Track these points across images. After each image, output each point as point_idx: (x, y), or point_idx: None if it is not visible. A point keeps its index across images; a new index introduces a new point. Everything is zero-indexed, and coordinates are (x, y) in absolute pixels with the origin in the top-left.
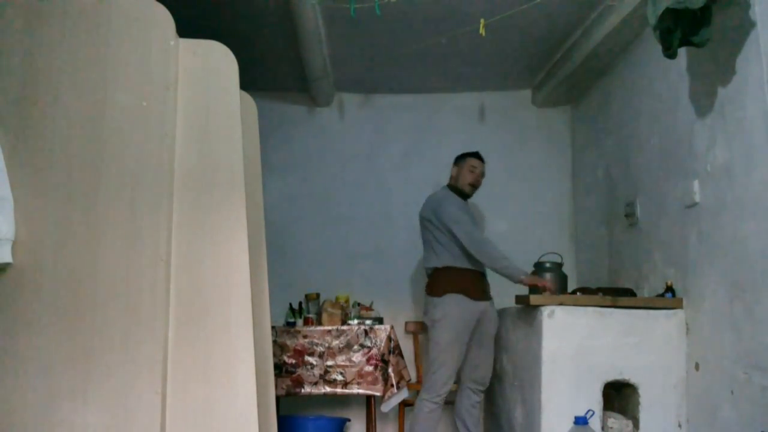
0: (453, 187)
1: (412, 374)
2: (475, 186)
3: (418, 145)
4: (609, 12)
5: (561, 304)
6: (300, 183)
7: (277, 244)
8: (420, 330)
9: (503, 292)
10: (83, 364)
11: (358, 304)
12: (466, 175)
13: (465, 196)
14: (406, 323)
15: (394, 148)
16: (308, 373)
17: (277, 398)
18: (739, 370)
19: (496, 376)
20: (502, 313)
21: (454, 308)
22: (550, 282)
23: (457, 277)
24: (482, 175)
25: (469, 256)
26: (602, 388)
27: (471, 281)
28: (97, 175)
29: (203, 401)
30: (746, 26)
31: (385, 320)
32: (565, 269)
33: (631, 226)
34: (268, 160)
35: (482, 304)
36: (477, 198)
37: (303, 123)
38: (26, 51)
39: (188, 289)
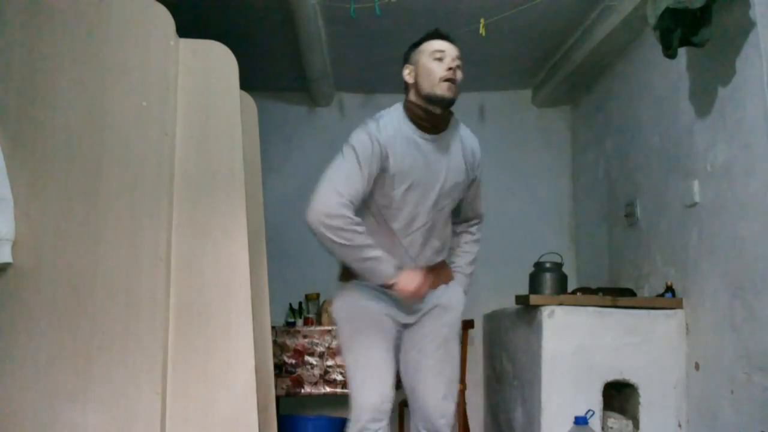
0: (409, 109)
1: None
2: (452, 81)
3: None
4: (609, 12)
5: (561, 304)
6: (300, 183)
7: (277, 244)
8: None
9: (503, 292)
10: (83, 364)
11: None
12: (431, 71)
13: (432, 113)
14: None
15: None
16: (308, 373)
17: (277, 398)
18: (740, 370)
19: (496, 377)
20: (500, 313)
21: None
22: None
23: None
24: (459, 59)
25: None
26: (602, 388)
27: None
28: (97, 175)
29: (203, 401)
30: (746, 26)
31: None
32: (565, 269)
33: (631, 226)
34: (268, 160)
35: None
36: None
37: (303, 123)
38: (26, 51)
39: (188, 289)
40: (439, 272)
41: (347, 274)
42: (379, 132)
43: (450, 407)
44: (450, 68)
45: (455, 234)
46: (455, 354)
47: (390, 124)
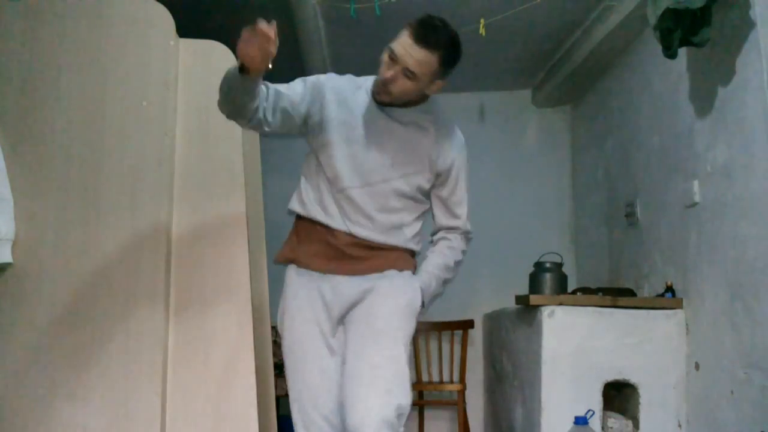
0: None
1: (412, 375)
2: (386, 89)
3: None
4: (609, 12)
5: (561, 304)
6: None
7: (277, 244)
8: (420, 330)
9: (503, 292)
10: (83, 363)
11: None
12: (380, 66)
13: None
14: None
15: None
16: None
17: (277, 398)
18: (739, 370)
19: (496, 377)
20: (500, 313)
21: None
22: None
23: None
24: (409, 73)
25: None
26: (602, 388)
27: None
28: (97, 175)
29: (203, 401)
30: (746, 26)
31: None
32: (565, 269)
33: (631, 226)
34: (268, 159)
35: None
36: (476, 198)
37: None
38: (26, 51)
39: (188, 289)
40: (388, 256)
41: (286, 249)
42: (331, 79)
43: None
44: (386, 77)
45: (431, 243)
46: (398, 356)
47: (351, 81)
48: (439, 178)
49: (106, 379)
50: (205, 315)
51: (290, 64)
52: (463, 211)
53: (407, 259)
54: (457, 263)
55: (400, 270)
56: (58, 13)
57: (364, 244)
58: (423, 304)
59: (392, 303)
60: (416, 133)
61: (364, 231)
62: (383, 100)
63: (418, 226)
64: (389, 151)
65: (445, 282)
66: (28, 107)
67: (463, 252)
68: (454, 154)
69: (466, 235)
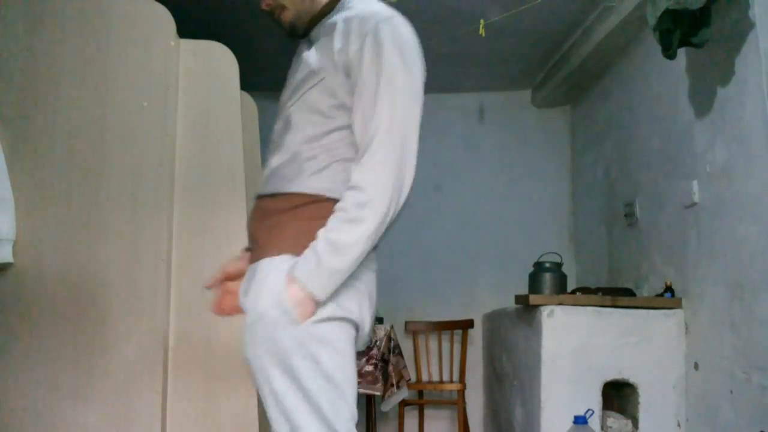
0: None
1: (412, 374)
2: (274, 11)
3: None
4: (608, 12)
5: (560, 303)
6: None
7: None
8: (420, 330)
9: (502, 292)
10: (84, 363)
11: None
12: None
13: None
14: (406, 323)
15: None
16: None
17: None
18: (739, 370)
19: (496, 376)
20: (500, 313)
21: None
22: None
23: None
24: None
25: None
26: (601, 388)
27: None
28: (98, 175)
29: (203, 401)
30: (745, 27)
31: (384, 320)
32: (565, 269)
33: (631, 226)
34: None
35: None
36: (476, 198)
37: None
38: (28, 52)
39: (188, 289)
40: (271, 230)
41: None
42: None
43: None
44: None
45: None
46: (283, 393)
47: None
48: (350, 78)
49: (107, 379)
50: (205, 315)
51: (290, 65)
52: (368, 126)
53: (286, 221)
54: (340, 243)
55: (275, 254)
56: (59, 13)
57: (255, 216)
58: (310, 301)
59: (254, 329)
60: (322, 39)
61: (261, 187)
62: (292, 28)
63: (328, 154)
64: (291, 82)
65: (335, 271)
66: (30, 108)
67: (348, 222)
68: (362, 36)
69: (373, 148)
